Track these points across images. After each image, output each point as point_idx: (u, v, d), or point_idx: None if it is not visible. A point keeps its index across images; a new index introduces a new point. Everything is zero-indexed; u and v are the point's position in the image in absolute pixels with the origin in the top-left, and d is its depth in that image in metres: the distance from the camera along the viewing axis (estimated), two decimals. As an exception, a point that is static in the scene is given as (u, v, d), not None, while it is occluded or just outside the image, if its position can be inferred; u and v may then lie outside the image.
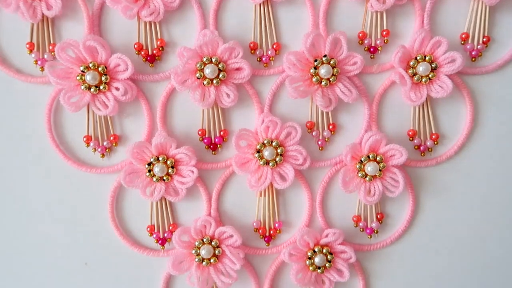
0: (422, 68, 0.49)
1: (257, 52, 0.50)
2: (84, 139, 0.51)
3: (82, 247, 0.52)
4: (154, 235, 0.52)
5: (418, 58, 0.49)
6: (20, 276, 0.52)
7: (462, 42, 0.51)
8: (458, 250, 0.53)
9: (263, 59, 0.51)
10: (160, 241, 0.52)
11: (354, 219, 0.53)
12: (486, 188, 0.53)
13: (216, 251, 0.50)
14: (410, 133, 0.52)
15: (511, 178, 0.53)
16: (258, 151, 0.50)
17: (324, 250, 0.51)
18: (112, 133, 0.51)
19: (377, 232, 0.53)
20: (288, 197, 0.52)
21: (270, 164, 0.50)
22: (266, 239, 0.52)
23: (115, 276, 0.53)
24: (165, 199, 0.51)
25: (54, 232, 0.52)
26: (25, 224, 0.52)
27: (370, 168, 0.50)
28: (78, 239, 0.52)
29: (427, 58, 0.49)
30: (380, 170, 0.50)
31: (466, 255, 0.53)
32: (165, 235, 0.52)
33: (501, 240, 0.53)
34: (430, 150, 0.52)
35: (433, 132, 0.52)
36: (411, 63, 0.50)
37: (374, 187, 0.50)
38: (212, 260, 0.50)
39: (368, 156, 0.50)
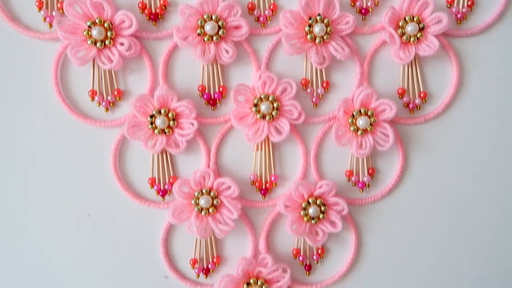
0: (410, 28, 0.52)
1: (255, 13, 0.53)
2: (89, 93, 0.53)
3: (86, 199, 0.54)
4: (155, 187, 0.54)
5: (406, 18, 0.52)
6: (23, 226, 0.54)
7: (448, 6, 0.54)
8: (445, 204, 0.56)
9: (261, 19, 0.53)
10: (160, 193, 0.54)
11: (347, 173, 0.55)
12: (472, 144, 0.56)
13: (215, 202, 0.52)
14: (399, 91, 0.55)
15: (495, 136, 0.56)
16: (256, 105, 0.52)
17: (318, 202, 0.53)
18: (116, 88, 0.53)
19: (368, 186, 0.55)
20: (284, 152, 0.55)
21: (267, 118, 0.52)
22: (262, 192, 0.55)
23: (117, 227, 0.55)
24: (166, 153, 0.54)
25: (58, 183, 0.54)
26: (29, 175, 0.54)
27: (361, 121, 0.52)
28: (81, 191, 0.54)
29: (415, 19, 0.52)
30: (371, 124, 0.52)
31: (454, 210, 0.56)
32: (166, 187, 0.54)
33: (487, 194, 0.56)
34: (418, 108, 0.55)
35: (422, 90, 0.55)
36: (400, 24, 0.53)
37: (366, 141, 0.53)
38: (210, 210, 0.52)
39: (360, 111, 0.53)
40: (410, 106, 0.55)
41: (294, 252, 0.55)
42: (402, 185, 0.56)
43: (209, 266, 0.55)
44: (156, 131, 0.52)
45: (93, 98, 0.53)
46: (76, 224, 0.54)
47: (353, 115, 0.53)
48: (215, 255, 0.55)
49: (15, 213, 0.54)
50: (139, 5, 0.52)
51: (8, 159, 0.54)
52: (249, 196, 0.55)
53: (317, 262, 0.56)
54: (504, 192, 0.56)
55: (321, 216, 0.53)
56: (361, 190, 0.55)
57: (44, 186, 0.54)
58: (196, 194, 0.52)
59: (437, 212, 0.56)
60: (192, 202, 0.52)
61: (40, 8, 0.52)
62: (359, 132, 0.53)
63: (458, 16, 0.54)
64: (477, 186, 0.56)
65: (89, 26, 0.50)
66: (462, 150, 0.56)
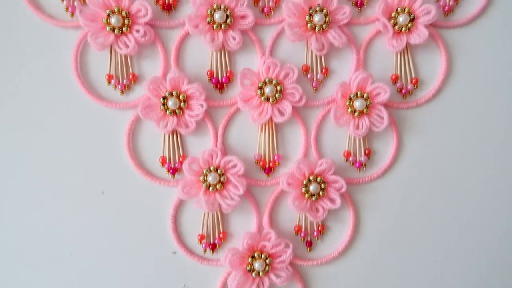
0: (402, 19, 0.57)
1: (260, 4, 0.58)
2: (106, 77, 0.57)
3: (100, 177, 0.58)
4: (166, 166, 0.58)
5: (398, 10, 0.57)
6: (39, 202, 0.57)
7: (436, 0, 0.60)
8: (437, 184, 0.60)
9: (265, 10, 0.58)
10: (171, 171, 0.57)
11: (345, 154, 0.59)
12: (461, 127, 0.60)
13: (222, 178, 0.56)
14: (393, 77, 0.59)
15: (481, 119, 0.60)
16: (260, 88, 0.56)
17: (318, 179, 0.57)
18: (131, 72, 0.57)
19: (365, 165, 0.59)
20: (286, 134, 0.59)
21: (271, 100, 0.56)
22: (266, 170, 0.58)
23: (129, 204, 0.58)
24: (177, 133, 0.58)
25: (75, 161, 0.57)
26: (47, 153, 0.57)
27: (358, 103, 0.56)
28: (96, 169, 0.57)
29: (406, 10, 0.57)
30: (367, 106, 0.57)
31: (445, 188, 0.60)
32: (176, 165, 0.58)
33: (476, 173, 0.60)
34: (411, 93, 0.59)
35: (413, 76, 0.59)
36: (393, 15, 0.57)
37: (362, 122, 0.57)
38: (218, 187, 0.56)
39: (357, 94, 0.57)
40: (403, 91, 0.59)
41: (296, 228, 0.59)
42: (397, 165, 0.60)
43: (216, 241, 0.58)
44: (167, 112, 0.56)
45: (109, 82, 0.57)
46: (90, 201, 0.58)
47: (350, 98, 0.57)
48: (221, 231, 0.58)
49: (32, 189, 0.57)
50: (154, -4, 0.57)
51: (28, 137, 0.57)
52: (253, 175, 0.59)
53: (318, 239, 0.59)
54: (493, 171, 0.60)
55: (321, 193, 0.57)
56: (358, 170, 0.59)
57: (61, 163, 0.57)
58: (204, 171, 0.56)
59: (429, 191, 0.60)
60: (201, 178, 0.56)
61: (62, -1, 0.57)
62: (356, 114, 0.57)
63: (446, 9, 0.59)
64: (466, 166, 0.60)
65: (108, 15, 0.55)
66: (451, 133, 0.60)
